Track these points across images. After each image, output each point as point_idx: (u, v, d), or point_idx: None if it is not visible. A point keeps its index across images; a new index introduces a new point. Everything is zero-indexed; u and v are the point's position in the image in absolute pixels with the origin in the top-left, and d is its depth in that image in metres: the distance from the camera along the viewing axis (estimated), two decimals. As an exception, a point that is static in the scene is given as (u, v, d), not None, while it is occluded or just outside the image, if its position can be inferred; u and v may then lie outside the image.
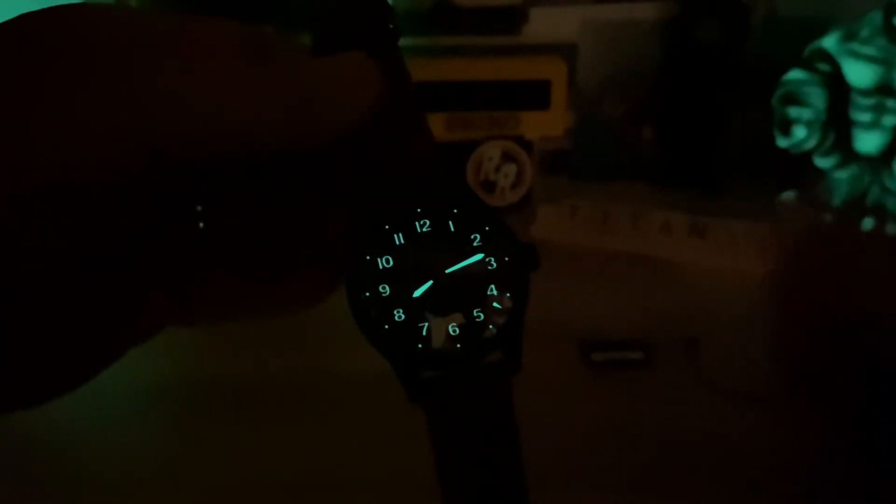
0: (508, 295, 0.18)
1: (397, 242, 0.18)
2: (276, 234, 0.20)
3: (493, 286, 0.18)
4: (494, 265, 0.18)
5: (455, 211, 0.18)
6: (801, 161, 0.72)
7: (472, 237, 0.18)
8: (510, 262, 0.18)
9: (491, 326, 0.18)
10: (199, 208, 0.18)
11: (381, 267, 0.18)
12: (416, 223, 0.18)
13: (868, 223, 0.69)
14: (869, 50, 0.65)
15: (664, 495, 0.40)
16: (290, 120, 0.16)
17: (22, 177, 0.14)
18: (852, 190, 0.72)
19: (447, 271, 0.18)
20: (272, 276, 0.20)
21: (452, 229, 0.18)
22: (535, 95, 0.68)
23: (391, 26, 0.19)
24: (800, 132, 0.69)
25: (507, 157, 0.69)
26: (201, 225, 0.19)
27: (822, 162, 0.71)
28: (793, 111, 0.70)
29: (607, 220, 0.66)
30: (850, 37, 0.67)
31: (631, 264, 0.62)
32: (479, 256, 0.18)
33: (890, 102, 0.66)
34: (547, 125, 0.69)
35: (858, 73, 0.66)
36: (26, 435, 0.43)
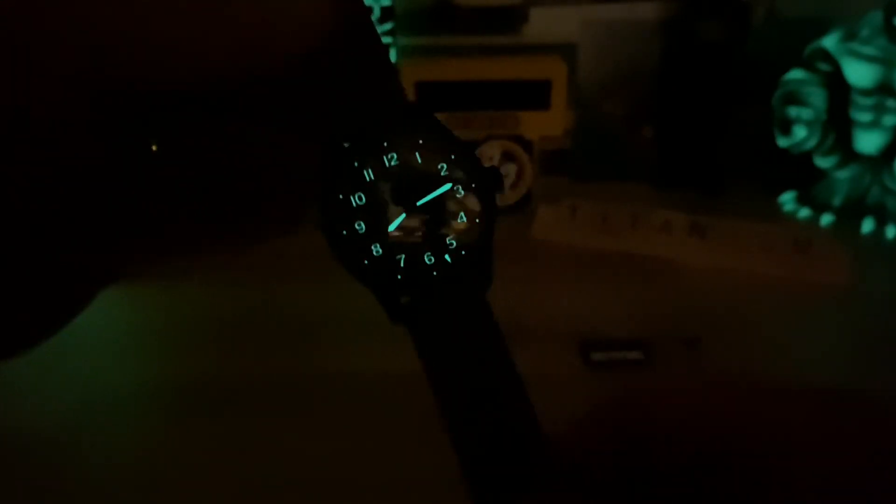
0: (477, 220, 0.19)
1: (367, 179, 0.19)
2: (237, 170, 0.19)
3: (462, 213, 0.19)
4: (462, 193, 0.19)
5: (420, 142, 0.19)
6: (801, 161, 0.72)
7: (440, 167, 0.19)
8: (476, 187, 0.19)
9: (463, 252, 0.19)
10: (153, 147, 0.18)
11: (354, 205, 0.19)
12: (384, 158, 0.19)
13: (868, 223, 0.69)
14: (869, 50, 0.65)
15: (664, 495, 0.40)
16: (241, 46, 0.15)
17: None
18: (852, 190, 0.72)
19: (418, 203, 0.19)
20: (235, 212, 0.20)
21: (419, 161, 0.19)
22: (535, 95, 0.68)
23: None
24: (800, 132, 0.69)
25: (507, 156, 0.69)
26: (157, 162, 0.18)
27: (822, 162, 0.71)
28: (793, 111, 0.70)
29: (607, 220, 0.66)
30: (850, 37, 0.67)
31: (631, 264, 0.62)
32: (448, 186, 0.19)
33: (890, 102, 0.66)
34: (547, 125, 0.69)
35: (858, 73, 0.66)
36: (24, 435, 0.43)
